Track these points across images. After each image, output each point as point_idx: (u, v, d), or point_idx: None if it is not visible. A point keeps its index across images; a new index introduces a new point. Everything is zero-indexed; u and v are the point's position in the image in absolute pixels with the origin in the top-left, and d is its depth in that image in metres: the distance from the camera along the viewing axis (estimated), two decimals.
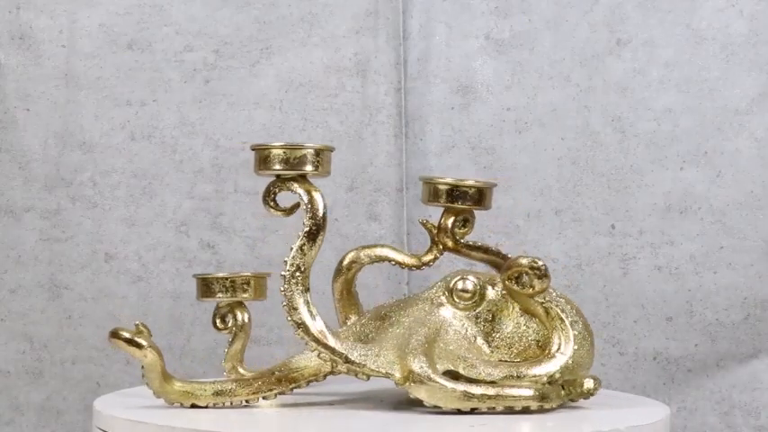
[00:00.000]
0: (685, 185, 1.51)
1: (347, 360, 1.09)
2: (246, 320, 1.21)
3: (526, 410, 1.09)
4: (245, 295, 1.20)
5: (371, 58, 1.57)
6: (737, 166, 1.50)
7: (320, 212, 1.09)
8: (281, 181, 1.10)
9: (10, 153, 1.54)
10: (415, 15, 1.56)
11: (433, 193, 1.19)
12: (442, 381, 1.08)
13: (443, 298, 1.16)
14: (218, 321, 1.22)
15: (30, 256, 1.54)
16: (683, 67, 1.52)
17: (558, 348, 1.12)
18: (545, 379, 1.10)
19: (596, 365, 1.49)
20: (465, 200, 1.18)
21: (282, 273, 1.09)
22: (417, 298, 1.17)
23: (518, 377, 1.10)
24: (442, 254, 1.21)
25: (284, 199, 1.11)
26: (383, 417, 1.10)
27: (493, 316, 1.15)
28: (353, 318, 1.21)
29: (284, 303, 1.09)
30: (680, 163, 1.52)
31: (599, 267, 1.53)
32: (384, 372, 1.09)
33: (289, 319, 1.09)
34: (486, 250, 1.22)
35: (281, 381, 1.12)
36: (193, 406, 1.10)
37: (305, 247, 1.09)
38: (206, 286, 1.20)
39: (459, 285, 1.15)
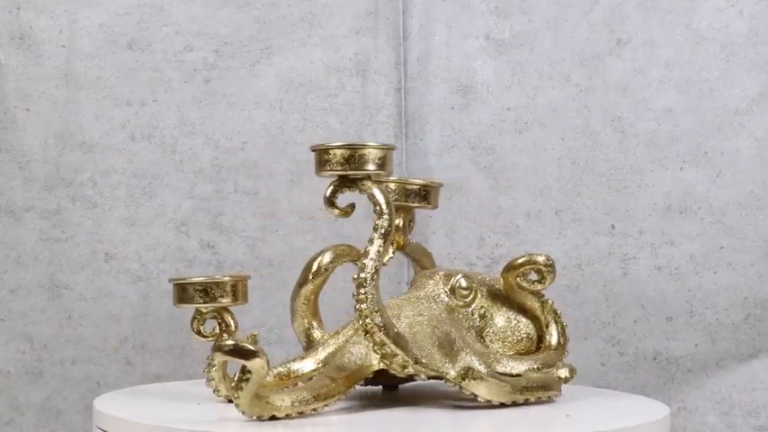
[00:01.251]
0: (685, 185, 1.51)
1: (417, 361, 1.08)
2: (233, 326, 1.15)
3: (549, 401, 1.13)
4: (224, 300, 1.14)
5: (371, 58, 1.56)
6: (737, 166, 1.50)
7: (390, 212, 1.07)
8: (349, 181, 1.07)
9: (10, 153, 1.54)
10: (415, 15, 1.56)
11: None
12: (499, 377, 1.10)
13: (444, 296, 1.16)
14: (201, 328, 1.16)
15: (30, 256, 1.54)
16: (683, 67, 1.52)
17: (558, 340, 1.15)
18: (555, 370, 1.13)
19: (596, 365, 1.49)
20: (413, 198, 1.22)
21: (362, 275, 1.06)
22: (417, 297, 1.17)
23: (537, 369, 1.12)
24: (395, 252, 1.23)
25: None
26: (438, 415, 1.10)
27: (484, 312, 1.16)
28: (316, 324, 1.18)
29: (364, 307, 1.06)
30: (680, 163, 1.52)
31: (599, 267, 1.53)
32: (441, 370, 1.09)
33: (369, 321, 1.06)
34: (423, 251, 1.28)
35: (344, 384, 1.08)
36: (272, 418, 1.04)
37: (381, 249, 1.07)
38: (183, 291, 1.14)
39: (457, 284, 1.16)
